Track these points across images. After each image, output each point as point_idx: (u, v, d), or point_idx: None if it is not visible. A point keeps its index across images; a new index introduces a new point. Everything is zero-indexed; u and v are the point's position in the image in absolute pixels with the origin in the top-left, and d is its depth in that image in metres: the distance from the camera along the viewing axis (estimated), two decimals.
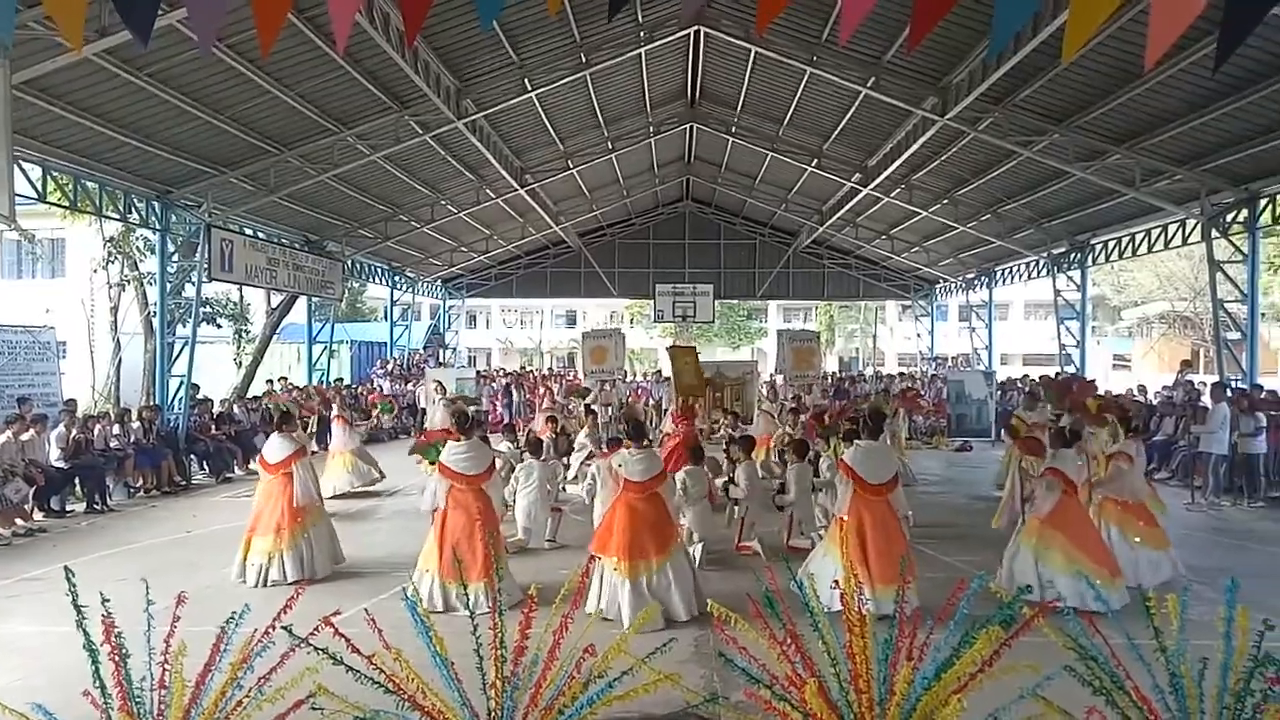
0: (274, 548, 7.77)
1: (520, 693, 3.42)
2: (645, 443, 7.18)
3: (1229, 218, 14.04)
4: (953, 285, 28.35)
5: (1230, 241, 14.20)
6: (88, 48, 8.38)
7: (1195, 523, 10.92)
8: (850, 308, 49.41)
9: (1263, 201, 13.55)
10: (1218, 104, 11.12)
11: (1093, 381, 11.30)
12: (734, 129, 19.37)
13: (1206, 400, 12.78)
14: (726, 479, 9.48)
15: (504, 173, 17.83)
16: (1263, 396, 13.00)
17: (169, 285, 15.20)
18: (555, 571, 7.57)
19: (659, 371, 29.85)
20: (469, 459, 7.11)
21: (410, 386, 22.95)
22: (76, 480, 11.57)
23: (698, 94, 18.25)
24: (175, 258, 15.31)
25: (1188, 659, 3.19)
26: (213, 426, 15.14)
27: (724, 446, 10.93)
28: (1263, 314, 21.27)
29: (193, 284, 15.44)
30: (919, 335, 31.70)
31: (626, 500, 6.76)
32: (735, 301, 44.56)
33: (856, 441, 7.16)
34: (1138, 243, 17.97)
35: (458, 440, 7.25)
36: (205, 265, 14.77)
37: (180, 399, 14.97)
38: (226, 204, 15.32)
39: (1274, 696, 2.96)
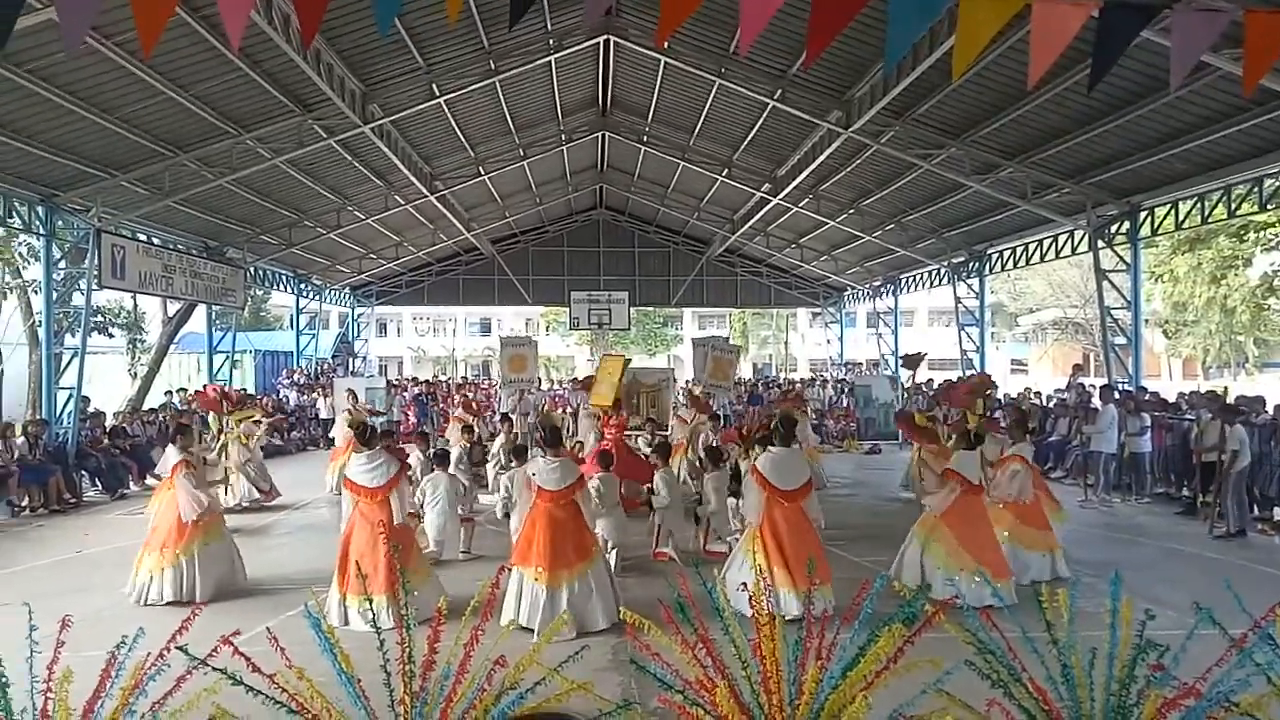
0: (157, 565, 7.43)
1: (430, 707, 3.35)
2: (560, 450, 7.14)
3: (1113, 229, 14.83)
4: (860, 292, 29.13)
5: (1115, 251, 14.99)
6: None
7: (1087, 519, 11.47)
8: (763, 315, 50.28)
9: (1143, 214, 14.36)
10: (1100, 122, 11.74)
11: (988, 377, 11.78)
12: (645, 138, 19.51)
13: (1097, 402, 13.44)
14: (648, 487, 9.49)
15: (413, 179, 17.54)
16: (1146, 398, 13.76)
17: (55, 294, 14.41)
18: (469, 583, 7.46)
19: (575, 379, 29.77)
20: (372, 470, 6.94)
21: (316, 396, 22.29)
22: None
23: (609, 103, 18.31)
24: (62, 264, 14.54)
25: (1078, 650, 3.33)
26: (106, 440, 14.40)
27: (644, 454, 10.97)
28: (1145, 320, 22.53)
29: (81, 292, 14.66)
30: (829, 341, 32.49)
31: (544, 509, 6.68)
32: (651, 309, 44.84)
33: (769, 448, 7.25)
34: (1031, 252, 18.81)
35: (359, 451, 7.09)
36: (95, 272, 14.05)
37: (69, 412, 14.20)
38: (118, 208, 14.62)
39: (1156, 682, 3.13)
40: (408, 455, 8.71)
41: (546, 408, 19.84)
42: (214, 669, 3.22)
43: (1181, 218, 14.05)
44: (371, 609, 4.02)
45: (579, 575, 6.53)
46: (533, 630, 6.13)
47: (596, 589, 6.57)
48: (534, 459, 7.09)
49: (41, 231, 13.85)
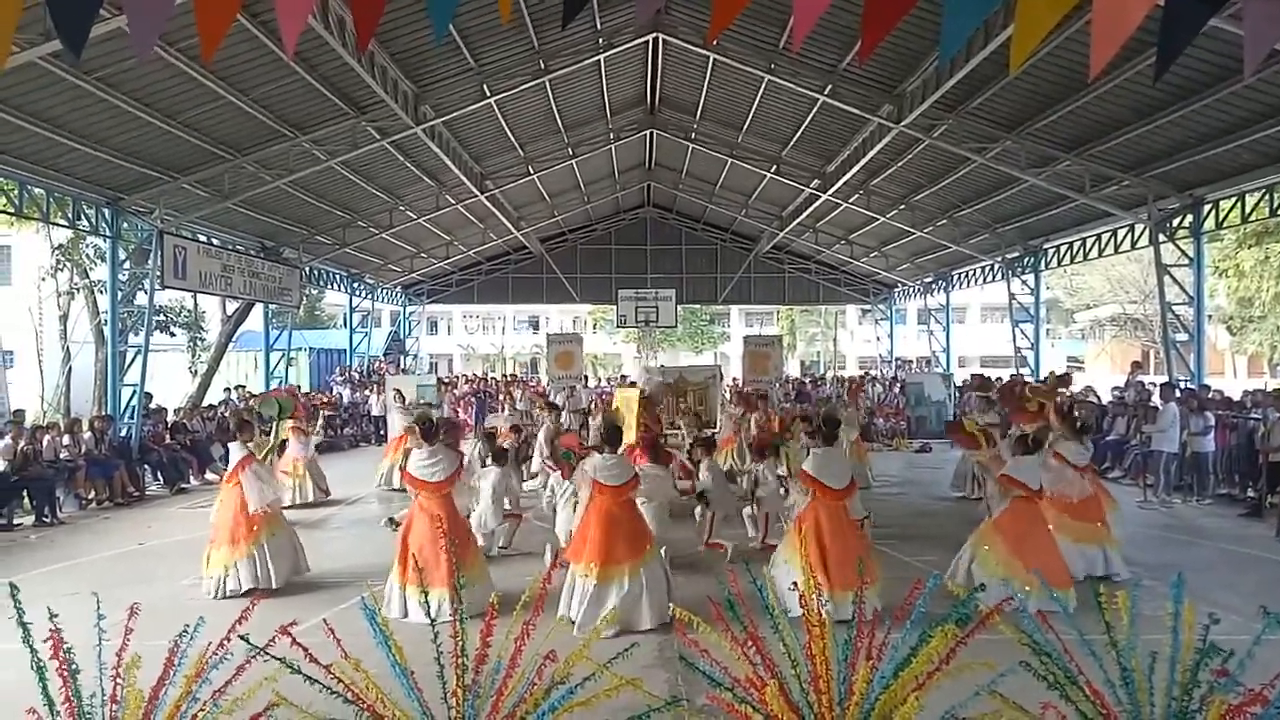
0: (229, 558, 7.63)
1: (481, 700, 3.40)
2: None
3: (1175, 223, 14.42)
4: (911, 289, 28.74)
5: (1177, 246, 14.58)
6: (33, 51, 8.18)
7: (1147, 520, 11.17)
8: (811, 312, 49.87)
9: (1206, 207, 13.94)
10: (1162, 112, 11.42)
11: (1065, 375, 11.38)
12: (694, 135, 19.47)
13: (1157, 400, 13.08)
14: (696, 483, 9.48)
15: (464, 179, 17.74)
16: (1210, 396, 13.36)
17: (120, 293, 14.89)
18: (519, 579, 7.53)
19: (623, 377, 29.87)
20: (433, 466, 7.03)
21: (368, 394, 22.70)
22: (24, 492, 11.26)
23: (657, 100, 18.32)
24: (127, 265, 15.01)
25: (1138, 653, 3.27)
26: (167, 436, 14.84)
27: (686, 449, 10.96)
28: (1209, 316, 21.87)
29: (145, 291, 15.13)
30: (878, 339, 32.11)
31: (601, 505, 6.71)
32: (698, 306, 44.76)
33: (814, 449, 7.22)
34: (1088, 247, 18.38)
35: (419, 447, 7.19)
36: (158, 273, 14.48)
37: (133, 408, 14.65)
38: (179, 210, 15.04)
39: (1220, 687, 3.04)
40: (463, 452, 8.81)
41: (596, 405, 19.93)
42: (274, 658, 3.31)
43: (1248, 210, 13.60)
44: (428, 601, 4.07)
45: (630, 573, 6.51)
46: (575, 624, 6.19)
47: (648, 587, 6.54)
48: (594, 455, 7.10)
49: (107, 233, 14.31)
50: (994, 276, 22.70)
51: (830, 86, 13.73)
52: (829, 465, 6.98)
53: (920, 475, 15.51)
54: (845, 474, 7.05)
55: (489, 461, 9.33)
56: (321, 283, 24.87)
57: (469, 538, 7.38)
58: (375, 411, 21.55)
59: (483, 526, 8.92)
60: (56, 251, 21.86)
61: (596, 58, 14.44)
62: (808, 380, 28.68)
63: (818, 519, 6.82)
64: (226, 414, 15.33)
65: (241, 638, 3.35)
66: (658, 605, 6.54)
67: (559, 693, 3.38)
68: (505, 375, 34.38)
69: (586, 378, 24.04)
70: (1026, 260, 20.18)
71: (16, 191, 12.57)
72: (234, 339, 24.86)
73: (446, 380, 25.63)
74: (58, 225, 14.21)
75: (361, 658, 3.46)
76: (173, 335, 27.85)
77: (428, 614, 3.61)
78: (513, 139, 17.93)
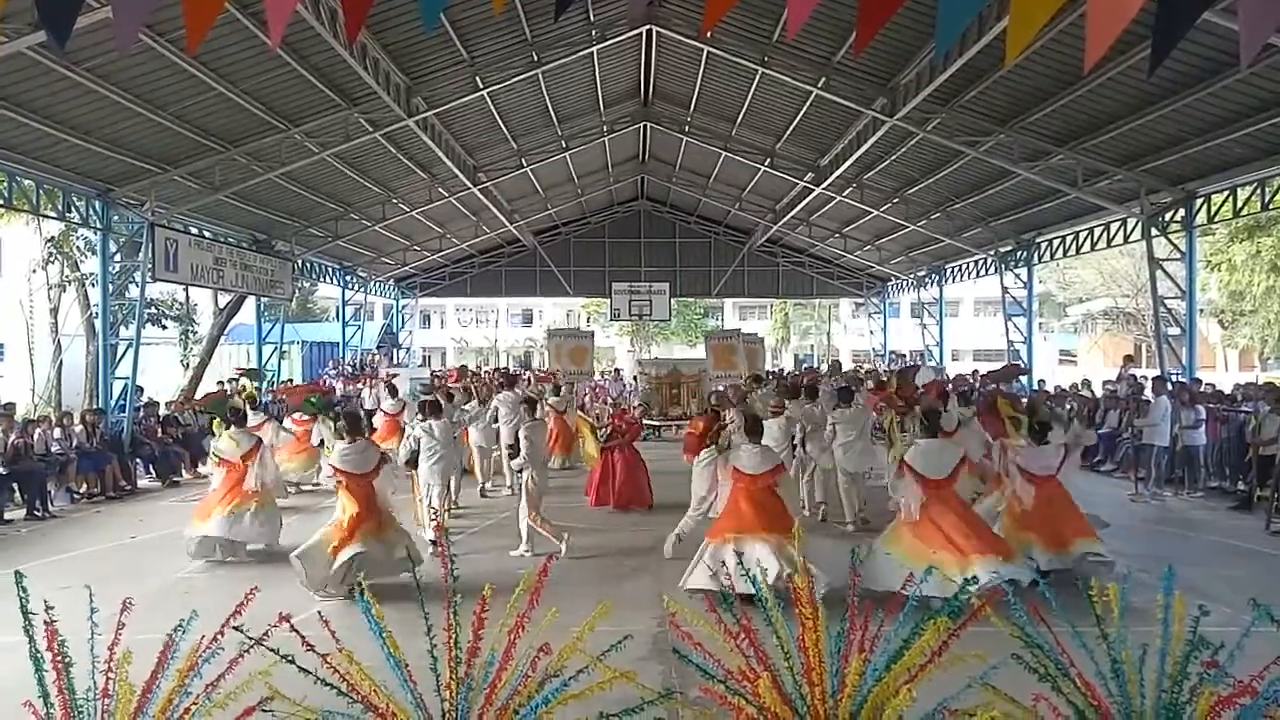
0: (222, 514, 8.49)
1: (475, 693, 3.40)
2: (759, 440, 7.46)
3: (1167, 217, 14.45)
4: (904, 283, 28.78)
5: (1169, 240, 14.61)
6: (21, 41, 8.13)
7: (1138, 513, 11.24)
8: (805, 305, 49.90)
9: (1199, 201, 13.97)
10: (1155, 106, 11.43)
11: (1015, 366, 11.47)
12: (687, 128, 19.44)
13: (1149, 394, 13.13)
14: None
15: (456, 171, 17.69)
16: (1201, 390, 13.42)
17: (111, 286, 14.81)
18: (513, 572, 7.53)
19: (617, 370, 29.84)
20: (357, 458, 7.64)
21: (360, 387, 22.63)
22: (15, 486, 11.23)
23: (651, 93, 18.28)
24: (118, 258, 14.92)
25: (1129, 645, 3.28)
26: (159, 429, 14.79)
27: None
28: (1200, 310, 21.95)
29: (136, 284, 15.03)
30: (872, 332, 32.15)
31: (743, 489, 7.15)
32: (691, 300, 44.76)
33: (915, 442, 7.41)
34: (1081, 241, 18.42)
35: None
36: (149, 265, 14.40)
37: (125, 402, 14.60)
38: (171, 202, 14.97)
39: (1209, 679, 3.06)
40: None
41: (588, 399, 19.92)
42: (269, 649, 3.30)
43: (1240, 204, 13.64)
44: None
45: (767, 542, 6.77)
46: (715, 592, 6.16)
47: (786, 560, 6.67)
48: (738, 446, 7.42)
49: (98, 225, 14.23)
50: (987, 270, 22.73)
51: (824, 79, 13.71)
52: (931, 456, 7.11)
53: None
54: (946, 464, 7.09)
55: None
56: (314, 275, 24.78)
57: (390, 518, 7.84)
58: (368, 405, 21.49)
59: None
60: (47, 244, 21.75)
61: (590, 50, 14.41)
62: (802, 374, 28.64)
63: (928, 507, 6.92)
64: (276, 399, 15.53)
65: (236, 629, 3.35)
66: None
67: (552, 685, 3.39)
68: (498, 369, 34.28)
69: (593, 372, 23.79)
70: (1019, 254, 20.21)
71: (6, 183, 12.45)
72: (226, 332, 24.79)
73: (439, 374, 25.57)
74: (48, 217, 14.14)
75: (355, 650, 3.46)
76: (164, 328, 27.78)
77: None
78: (506, 131, 17.87)
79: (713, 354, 21.81)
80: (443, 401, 10.83)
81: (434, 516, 9.26)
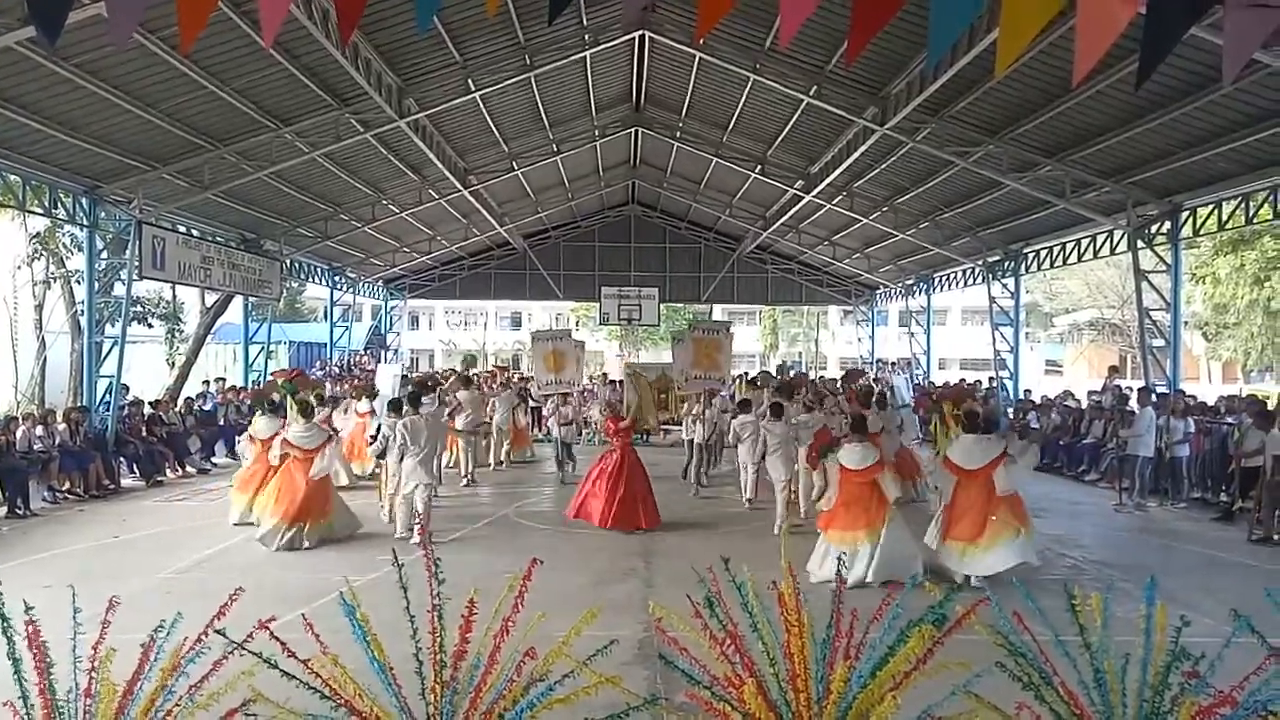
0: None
1: (460, 697, 3.39)
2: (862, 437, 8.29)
3: (1153, 229, 14.55)
4: (893, 291, 28.88)
5: (1155, 252, 14.72)
6: (9, 35, 8.08)
7: (1122, 523, 11.31)
8: (793, 312, 50.01)
9: (1184, 214, 14.09)
10: (1142, 120, 11.53)
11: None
12: (679, 134, 19.48)
13: (1134, 405, 13.22)
14: None
15: (447, 173, 17.65)
16: (1186, 402, 13.52)
17: (97, 283, 14.71)
18: (499, 576, 7.50)
19: (605, 375, 29.82)
20: (308, 437, 9.54)
21: (346, 388, 22.53)
22: None
23: (643, 98, 18.30)
24: (104, 255, 14.81)
25: (1111, 654, 3.30)
26: (144, 428, 14.68)
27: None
28: (1185, 322, 22.10)
29: (122, 282, 14.91)
30: (860, 340, 32.25)
31: (846, 483, 8.00)
32: (681, 305, 44.78)
33: (959, 436, 8.44)
34: (1068, 252, 18.53)
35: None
36: (136, 263, 14.29)
37: (110, 400, 14.48)
38: (159, 200, 14.88)
39: (1190, 690, 3.09)
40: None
41: (574, 405, 19.86)
42: (250, 653, 3.28)
43: (1225, 218, 13.76)
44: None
45: (869, 538, 7.73)
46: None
47: (882, 548, 7.69)
48: (843, 444, 8.25)
49: (84, 222, 14.13)
50: (975, 279, 22.83)
51: (816, 88, 13.77)
52: (969, 450, 7.97)
53: None
54: (985, 455, 7.86)
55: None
56: (302, 276, 24.69)
57: (330, 490, 9.79)
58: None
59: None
60: (33, 240, 21.58)
61: (583, 54, 14.41)
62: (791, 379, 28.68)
63: (958, 495, 7.93)
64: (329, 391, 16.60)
65: (218, 632, 3.33)
66: (887, 562, 7.58)
67: (538, 689, 3.38)
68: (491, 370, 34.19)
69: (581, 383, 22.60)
70: (1007, 264, 20.31)
71: None
72: (213, 331, 24.64)
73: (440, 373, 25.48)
74: (33, 213, 14.04)
75: (339, 653, 3.45)
76: (150, 326, 27.57)
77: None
78: (497, 134, 17.86)
79: (693, 350, 17.13)
80: (425, 398, 11.21)
81: (418, 520, 9.22)
